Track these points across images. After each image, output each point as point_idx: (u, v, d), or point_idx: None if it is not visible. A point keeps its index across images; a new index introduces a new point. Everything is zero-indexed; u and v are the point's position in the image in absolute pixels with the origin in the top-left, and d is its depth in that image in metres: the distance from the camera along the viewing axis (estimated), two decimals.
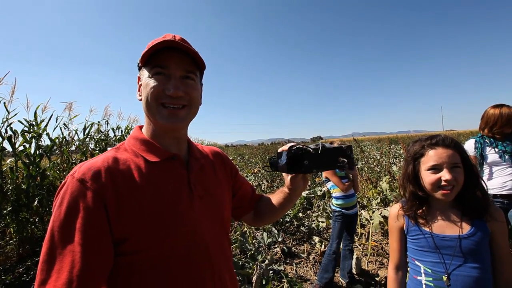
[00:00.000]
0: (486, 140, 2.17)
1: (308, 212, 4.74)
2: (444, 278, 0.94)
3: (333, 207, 2.61)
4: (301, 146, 0.76)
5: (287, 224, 3.96)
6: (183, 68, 0.68)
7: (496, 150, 2.09)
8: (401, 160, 7.42)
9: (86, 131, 3.36)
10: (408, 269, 1.08)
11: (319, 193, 5.27)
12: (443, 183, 0.94)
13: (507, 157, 2.03)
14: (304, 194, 5.22)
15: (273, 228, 3.71)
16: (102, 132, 3.69)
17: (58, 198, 0.57)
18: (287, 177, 0.84)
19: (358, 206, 3.21)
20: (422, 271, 0.99)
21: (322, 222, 4.14)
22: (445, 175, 0.93)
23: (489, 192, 2.07)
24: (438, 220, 1.00)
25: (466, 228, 0.95)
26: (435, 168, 0.96)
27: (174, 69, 0.67)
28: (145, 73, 0.68)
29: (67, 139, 3.07)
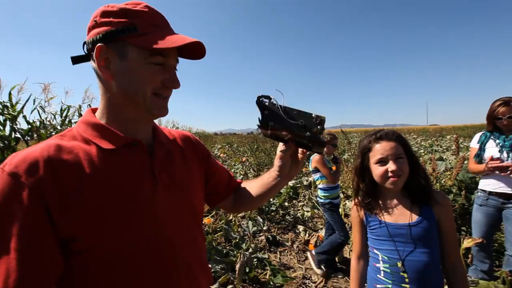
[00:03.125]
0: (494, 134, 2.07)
1: (294, 201, 4.81)
2: (399, 264, 1.00)
3: (321, 200, 2.66)
4: (269, 96, 0.72)
5: (272, 213, 4.00)
6: (176, 58, 0.65)
7: (497, 142, 2.01)
8: None
9: (64, 114, 3.20)
10: (369, 257, 1.15)
11: (305, 183, 5.35)
12: (389, 174, 1.01)
13: (505, 152, 1.95)
14: (290, 183, 5.28)
15: (258, 216, 3.75)
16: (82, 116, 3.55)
17: None
18: (277, 157, 0.79)
19: (341, 196, 3.28)
20: (380, 258, 1.06)
21: (307, 211, 4.22)
22: (390, 166, 1.01)
23: (484, 189, 2.06)
24: (391, 209, 1.07)
25: (415, 216, 1.02)
26: (382, 161, 1.03)
27: (172, 60, 0.64)
28: (133, 54, 0.58)
29: (45, 122, 2.91)
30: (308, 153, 0.79)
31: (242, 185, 0.95)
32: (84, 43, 0.62)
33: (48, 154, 0.53)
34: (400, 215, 1.05)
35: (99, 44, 0.58)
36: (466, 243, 1.37)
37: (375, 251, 1.09)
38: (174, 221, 0.65)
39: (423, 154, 7.18)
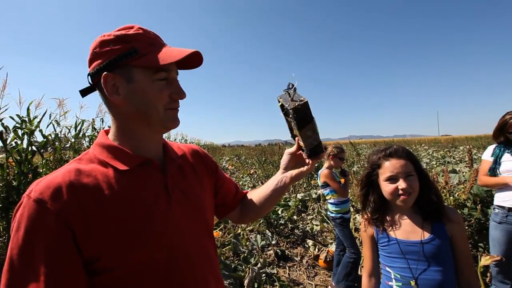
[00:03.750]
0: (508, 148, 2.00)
1: (303, 215, 4.73)
2: (412, 283, 0.98)
3: (332, 215, 2.61)
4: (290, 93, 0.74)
5: (281, 227, 3.95)
6: (176, 69, 0.68)
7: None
8: None
9: (78, 128, 3.32)
10: (381, 275, 1.13)
11: (314, 196, 5.27)
12: (400, 191, 1.00)
13: None
14: (299, 196, 5.21)
15: (266, 230, 3.70)
16: (96, 130, 3.64)
17: (14, 222, 0.51)
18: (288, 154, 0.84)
19: (351, 210, 3.21)
20: (393, 276, 1.04)
21: (317, 225, 4.13)
22: (401, 184, 1.00)
23: (502, 205, 1.97)
24: (402, 226, 1.06)
25: (427, 233, 1.00)
26: (392, 179, 1.03)
27: (174, 73, 0.66)
28: (138, 75, 0.61)
29: (60, 136, 3.02)
30: (316, 165, 0.83)
31: (248, 195, 0.96)
32: (88, 75, 0.64)
33: (70, 179, 0.55)
34: (411, 232, 1.03)
35: (104, 73, 0.60)
36: (484, 261, 1.32)
37: (387, 268, 1.06)
38: (189, 235, 0.67)
39: (435, 165, 7.01)
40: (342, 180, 2.63)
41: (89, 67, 0.64)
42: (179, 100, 0.68)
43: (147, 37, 0.63)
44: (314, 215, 4.56)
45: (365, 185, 1.14)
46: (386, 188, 1.04)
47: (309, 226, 4.11)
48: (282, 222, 3.97)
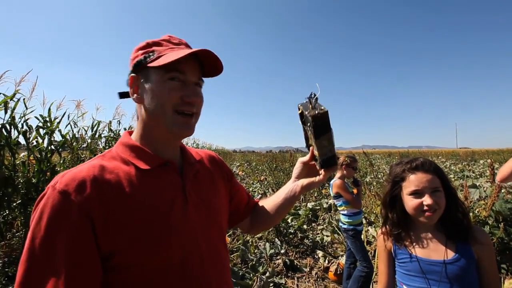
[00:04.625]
0: None
1: (313, 224, 4.65)
2: None
3: (344, 226, 2.55)
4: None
5: (290, 236, 3.89)
6: (197, 75, 0.68)
7: None
8: None
9: (94, 129, 3.44)
10: None
11: (325, 205, 5.18)
12: (425, 207, 0.95)
13: None
14: (309, 205, 5.14)
15: (276, 238, 3.65)
16: (113, 131, 3.76)
17: (36, 212, 0.53)
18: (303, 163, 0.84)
19: (364, 222, 3.13)
20: None
21: (327, 236, 4.05)
22: (426, 200, 0.95)
23: None
24: (424, 243, 1.01)
25: (451, 253, 0.95)
26: (417, 193, 0.98)
27: (191, 76, 0.67)
28: (153, 75, 0.64)
29: (77, 136, 3.14)
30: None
31: (259, 203, 0.95)
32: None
33: (94, 174, 0.57)
34: (433, 251, 0.98)
35: (131, 75, 0.67)
36: (508, 283, 1.25)
37: (405, 287, 1.02)
38: (204, 238, 0.67)
39: (453, 179, 6.75)
40: (355, 191, 2.57)
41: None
42: (198, 108, 0.69)
43: (170, 41, 0.68)
44: (325, 225, 4.47)
45: (387, 199, 1.09)
46: (410, 202, 0.99)
47: (319, 237, 4.02)
48: (292, 231, 3.91)
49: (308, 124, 0.74)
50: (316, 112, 0.69)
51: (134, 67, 0.66)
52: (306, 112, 0.72)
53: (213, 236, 0.71)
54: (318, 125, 0.71)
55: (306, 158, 0.85)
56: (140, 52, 0.66)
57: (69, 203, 0.52)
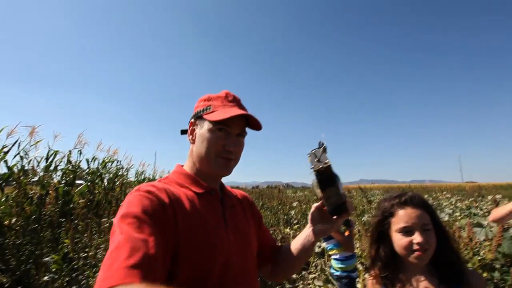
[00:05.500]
0: None
1: (304, 272, 4.15)
2: None
3: (337, 273, 2.30)
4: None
5: (277, 287, 3.39)
6: (240, 128, 0.86)
7: None
8: None
9: (49, 160, 3.02)
10: None
11: (317, 249, 4.69)
12: (415, 246, 0.93)
13: None
14: None
15: None
16: (71, 163, 3.30)
17: (125, 203, 0.67)
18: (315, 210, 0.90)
19: (360, 268, 2.75)
20: None
21: (319, 286, 3.55)
22: (416, 237, 0.93)
23: None
24: (415, 287, 0.98)
25: None
26: (407, 231, 0.96)
27: (235, 129, 0.84)
28: (206, 124, 0.83)
29: (26, 168, 2.78)
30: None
31: (282, 248, 1.03)
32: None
33: (164, 187, 0.75)
34: None
35: (191, 120, 0.89)
36: None
37: None
38: (240, 262, 0.79)
39: (459, 217, 6.28)
40: (347, 232, 2.32)
41: None
42: (236, 155, 0.85)
43: (225, 98, 0.87)
44: (317, 273, 3.99)
45: (374, 236, 1.07)
46: (399, 241, 0.97)
47: (310, 287, 3.52)
48: (278, 283, 3.42)
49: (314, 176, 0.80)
50: (320, 166, 0.75)
51: (194, 115, 0.88)
52: (311, 166, 0.77)
53: (248, 263, 0.83)
54: (322, 179, 0.76)
55: (319, 203, 0.89)
56: (202, 103, 0.87)
57: (153, 196, 0.69)
